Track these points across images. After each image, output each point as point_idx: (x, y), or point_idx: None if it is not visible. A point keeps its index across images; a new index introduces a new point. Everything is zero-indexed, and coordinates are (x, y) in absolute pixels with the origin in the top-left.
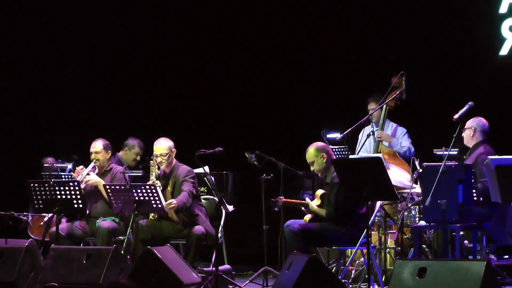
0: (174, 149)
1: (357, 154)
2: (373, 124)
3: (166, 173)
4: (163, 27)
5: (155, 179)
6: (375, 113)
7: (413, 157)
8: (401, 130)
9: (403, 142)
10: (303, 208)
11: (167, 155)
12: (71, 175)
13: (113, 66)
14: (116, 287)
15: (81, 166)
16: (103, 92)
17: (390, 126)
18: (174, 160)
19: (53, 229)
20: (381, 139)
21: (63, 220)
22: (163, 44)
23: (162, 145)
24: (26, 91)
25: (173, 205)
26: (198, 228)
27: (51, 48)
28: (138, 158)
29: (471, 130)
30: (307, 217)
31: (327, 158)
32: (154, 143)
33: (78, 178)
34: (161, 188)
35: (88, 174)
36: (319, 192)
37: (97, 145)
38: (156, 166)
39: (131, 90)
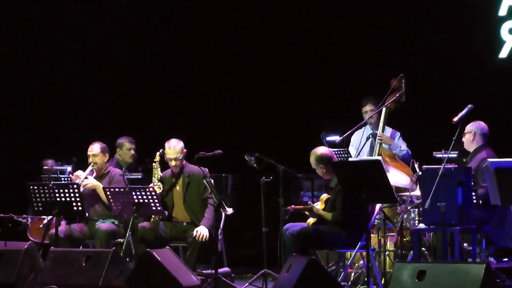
0: (184, 149)
1: (357, 156)
2: (372, 126)
3: (174, 173)
4: (162, 28)
5: (157, 181)
6: (373, 115)
7: (413, 159)
8: (396, 133)
9: (402, 145)
10: (306, 212)
11: (182, 157)
12: (70, 178)
13: (113, 68)
14: None
15: (79, 171)
16: (102, 94)
17: (387, 130)
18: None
19: (53, 231)
20: (382, 141)
21: (62, 222)
22: (162, 46)
23: (177, 148)
24: (26, 93)
25: (204, 235)
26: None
27: (51, 50)
28: (132, 152)
29: (471, 134)
30: (311, 220)
31: (327, 169)
32: (166, 146)
33: (76, 182)
34: (162, 189)
35: (86, 177)
36: (324, 196)
37: (95, 148)
38: (159, 168)
39: (130, 92)
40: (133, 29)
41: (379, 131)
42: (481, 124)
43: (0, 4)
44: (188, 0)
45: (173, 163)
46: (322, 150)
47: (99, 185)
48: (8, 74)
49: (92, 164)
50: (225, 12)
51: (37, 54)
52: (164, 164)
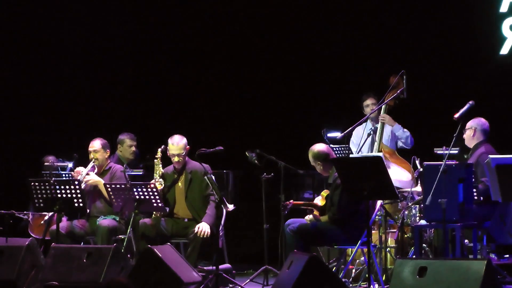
0: (187, 146)
1: (358, 153)
2: (372, 121)
3: (177, 169)
4: (162, 26)
5: (158, 177)
6: (374, 111)
7: (414, 156)
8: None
9: (404, 129)
10: (311, 208)
11: (184, 154)
12: (72, 175)
13: (114, 66)
14: (114, 284)
15: (80, 167)
16: (103, 91)
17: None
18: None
19: (54, 227)
20: (385, 121)
21: (64, 218)
22: (163, 44)
23: (180, 144)
24: (26, 90)
25: (206, 231)
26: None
27: (51, 48)
28: (133, 148)
29: (472, 130)
30: (308, 217)
31: (324, 165)
32: (170, 142)
33: (78, 178)
34: (165, 185)
35: (87, 174)
36: (325, 192)
37: (95, 144)
38: (160, 164)
39: (131, 89)
40: (134, 26)
41: (379, 126)
42: (482, 120)
43: (1, 2)
44: None
45: (175, 159)
46: (319, 147)
47: (100, 181)
48: (8, 72)
49: (93, 160)
50: (225, 9)
51: (38, 51)
52: (165, 160)
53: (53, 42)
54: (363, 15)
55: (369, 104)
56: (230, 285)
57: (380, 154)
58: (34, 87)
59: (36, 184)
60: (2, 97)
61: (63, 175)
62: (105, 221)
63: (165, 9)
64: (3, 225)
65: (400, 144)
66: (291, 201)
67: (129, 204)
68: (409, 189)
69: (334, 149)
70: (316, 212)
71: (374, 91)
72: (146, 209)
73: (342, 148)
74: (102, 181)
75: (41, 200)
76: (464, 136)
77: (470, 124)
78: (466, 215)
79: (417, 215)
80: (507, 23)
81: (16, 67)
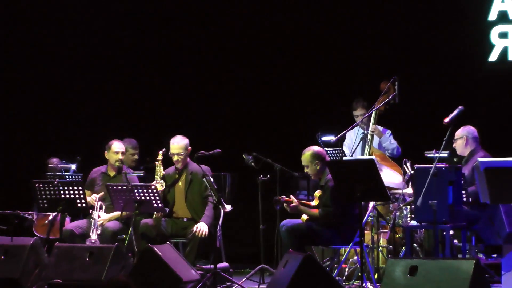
0: (189, 147)
1: (351, 156)
2: (364, 127)
3: (178, 170)
4: (162, 28)
5: (159, 179)
6: (364, 118)
7: (405, 159)
8: (386, 131)
9: (392, 140)
10: (286, 207)
11: (184, 154)
12: (76, 176)
13: (116, 67)
14: (115, 283)
15: (101, 216)
16: (106, 94)
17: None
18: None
19: (67, 226)
20: (374, 133)
21: (67, 219)
22: (162, 45)
23: (180, 144)
24: (30, 91)
25: (204, 231)
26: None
27: (54, 48)
28: (136, 157)
29: (463, 139)
30: (305, 216)
31: (321, 166)
32: (171, 141)
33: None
34: (165, 186)
35: (98, 216)
36: (318, 193)
37: (123, 146)
38: (161, 167)
39: (133, 91)
40: (136, 28)
41: (371, 125)
42: (471, 128)
43: (3, 2)
44: (189, 1)
45: (175, 158)
46: (316, 148)
47: (111, 216)
48: (13, 73)
49: (116, 162)
50: (224, 12)
51: (42, 52)
52: (166, 163)
53: (57, 42)
54: (356, 21)
55: (358, 115)
56: (228, 283)
57: (373, 157)
58: (38, 89)
59: (41, 185)
60: (7, 98)
61: (67, 176)
62: (110, 224)
63: (165, 11)
64: (8, 225)
65: (387, 153)
66: (283, 196)
67: (129, 204)
68: (400, 191)
69: (328, 152)
70: (312, 203)
71: (367, 95)
72: (146, 210)
73: (336, 151)
74: (112, 214)
75: (45, 201)
76: (455, 145)
77: (461, 133)
78: (455, 216)
79: (408, 216)
80: (495, 31)
81: (20, 68)
